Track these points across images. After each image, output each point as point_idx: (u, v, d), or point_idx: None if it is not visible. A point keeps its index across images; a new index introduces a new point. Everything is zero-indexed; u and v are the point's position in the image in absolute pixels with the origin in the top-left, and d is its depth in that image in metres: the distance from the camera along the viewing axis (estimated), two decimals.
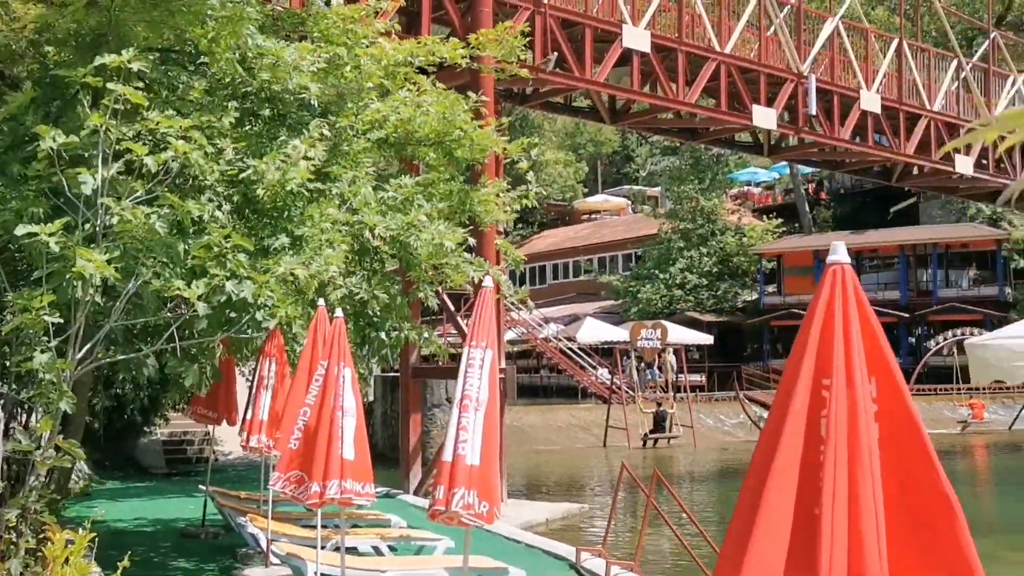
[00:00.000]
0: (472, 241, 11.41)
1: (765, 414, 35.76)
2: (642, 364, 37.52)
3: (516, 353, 51.21)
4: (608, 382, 36.59)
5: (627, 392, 37.41)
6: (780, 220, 55.31)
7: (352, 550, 10.48)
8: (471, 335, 5.66)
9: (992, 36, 30.03)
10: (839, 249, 3.03)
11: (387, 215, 10.27)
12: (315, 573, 8.71)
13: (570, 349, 43.01)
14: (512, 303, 43.50)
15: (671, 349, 37.11)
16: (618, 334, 42.22)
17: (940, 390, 40.61)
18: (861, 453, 2.76)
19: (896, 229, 51.58)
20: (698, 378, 46.91)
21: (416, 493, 17.94)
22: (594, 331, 45.49)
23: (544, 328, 45.11)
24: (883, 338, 3.04)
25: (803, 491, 2.80)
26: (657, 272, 53.09)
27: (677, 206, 54.84)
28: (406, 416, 18.38)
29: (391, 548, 10.63)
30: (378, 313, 10.45)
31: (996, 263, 47.85)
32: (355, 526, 11.93)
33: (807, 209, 56.78)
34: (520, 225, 73.33)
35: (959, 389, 40.21)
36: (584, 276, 63.71)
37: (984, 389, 41.72)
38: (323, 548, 9.60)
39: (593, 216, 75.26)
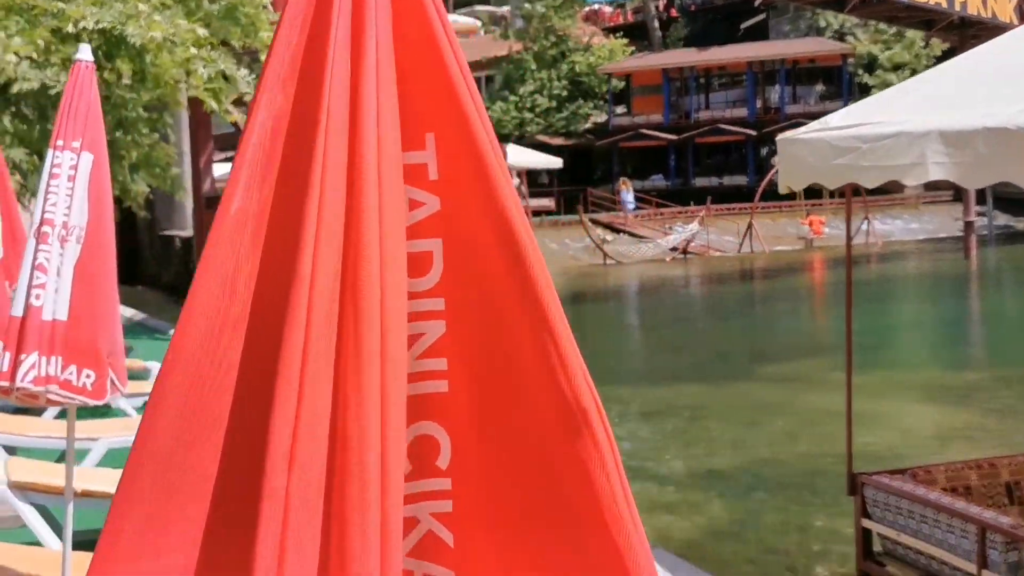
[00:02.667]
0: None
1: (609, 236, 35.21)
2: None
3: None
4: None
5: None
6: (629, 39, 53.94)
7: None
8: (57, 131, 4.10)
9: None
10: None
11: (103, 6, 8.58)
12: None
13: None
14: None
15: (514, 173, 35.84)
16: None
17: (784, 207, 40.55)
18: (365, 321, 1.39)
19: (744, 45, 50.78)
20: (548, 202, 46.14)
21: None
22: None
23: None
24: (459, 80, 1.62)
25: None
26: (508, 93, 51.48)
27: (527, 24, 52.92)
28: (199, 251, 16.80)
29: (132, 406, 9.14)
30: None
31: (842, 79, 47.60)
32: None
33: (656, 27, 55.44)
34: None
35: (803, 206, 40.21)
36: None
37: (827, 204, 41.97)
38: None
39: None
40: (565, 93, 51.36)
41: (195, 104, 15.92)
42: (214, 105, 9.12)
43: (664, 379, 14.49)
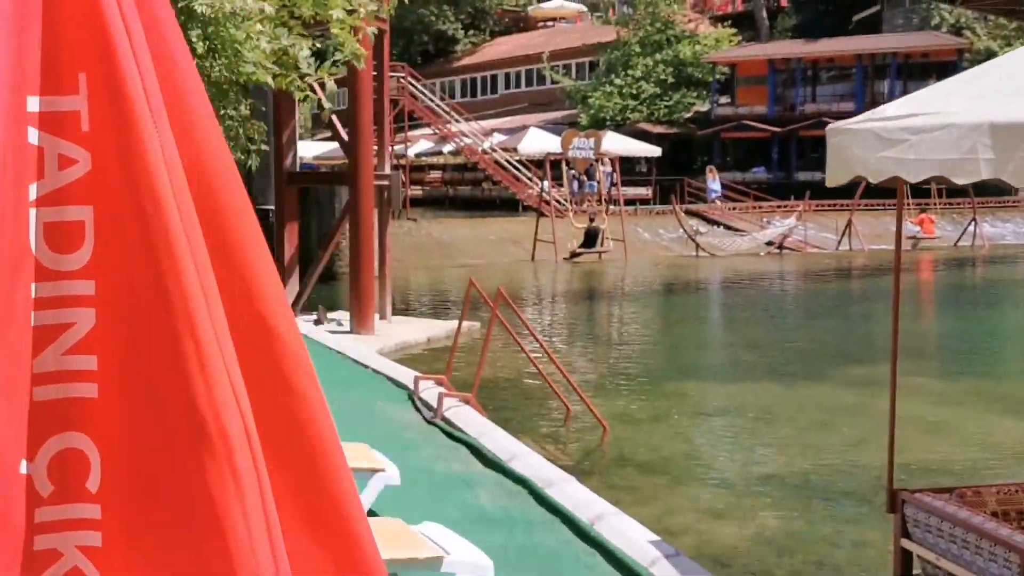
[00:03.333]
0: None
1: (703, 228, 34.58)
2: (574, 174, 35.97)
3: (456, 166, 49.58)
4: (549, 195, 34.98)
5: (560, 204, 36.03)
6: (738, 29, 52.89)
7: None
8: None
9: None
10: None
11: None
12: None
13: (507, 161, 41.21)
14: (448, 113, 41.61)
15: (607, 159, 35.41)
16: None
17: (889, 204, 39.33)
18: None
19: (854, 37, 49.39)
20: (644, 191, 45.57)
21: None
22: (538, 142, 43.61)
23: (484, 140, 43.20)
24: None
25: None
26: (614, 78, 50.91)
27: (631, 10, 52.31)
28: (280, 226, 16.84)
29: None
30: None
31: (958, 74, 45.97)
32: None
33: (764, 16, 54.26)
34: (472, 32, 70.44)
35: (909, 204, 38.94)
36: (537, 86, 61.31)
37: (935, 204, 40.65)
38: None
39: (549, 23, 72.32)
40: (670, 80, 50.60)
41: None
42: (270, 82, 8.94)
43: (738, 377, 14.06)
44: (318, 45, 12.22)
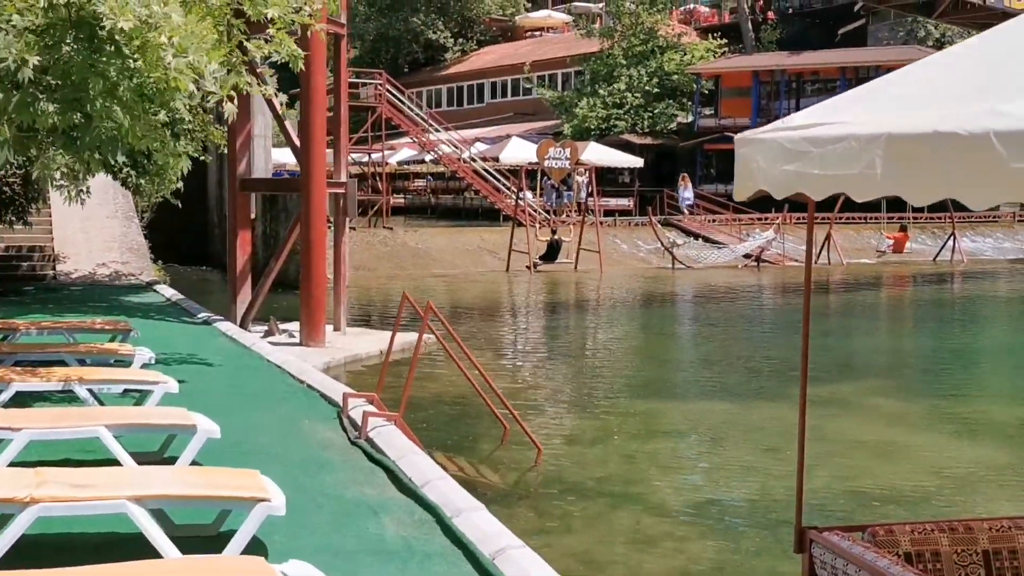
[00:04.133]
0: None
1: (680, 240, 34.27)
2: (551, 184, 35.67)
3: (439, 174, 49.21)
4: (527, 204, 34.55)
5: (538, 214, 35.72)
6: (724, 40, 52.62)
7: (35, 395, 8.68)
8: None
9: None
10: None
11: None
12: None
13: (486, 171, 40.84)
14: (426, 121, 41.24)
15: (583, 170, 35.04)
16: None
17: (870, 218, 39.05)
18: None
19: (838, 50, 49.22)
20: (626, 202, 45.34)
21: (242, 326, 16.13)
22: (519, 151, 43.31)
23: (465, 149, 42.82)
24: None
25: None
26: (598, 89, 50.62)
27: (615, 20, 52.08)
28: (233, 233, 16.40)
29: (92, 392, 8.72)
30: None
31: None
32: (82, 362, 10.10)
33: (750, 28, 54.05)
34: (460, 41, 70.17)
35: (890, 218, 38.69)
36: (523, 96, 61.04)
37: (915, 218, 40.44)
38: None
39: (536, 33, 72.12)
40: (654, 91, 50.34)
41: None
42: (190, 85, 8.49)
43: (695, 395, 13.68)
44: (266, 50, 11.83)
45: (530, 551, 5.88)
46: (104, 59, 8.61)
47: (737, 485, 9.35)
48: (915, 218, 41.84)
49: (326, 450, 8.46)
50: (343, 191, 16.19)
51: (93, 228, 23.82)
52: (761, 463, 10.10)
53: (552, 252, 32.49)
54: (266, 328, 16.06)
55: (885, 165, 3.79)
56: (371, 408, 9.46)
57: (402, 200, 52.56)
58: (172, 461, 7.10)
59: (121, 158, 8.48)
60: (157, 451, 7.56)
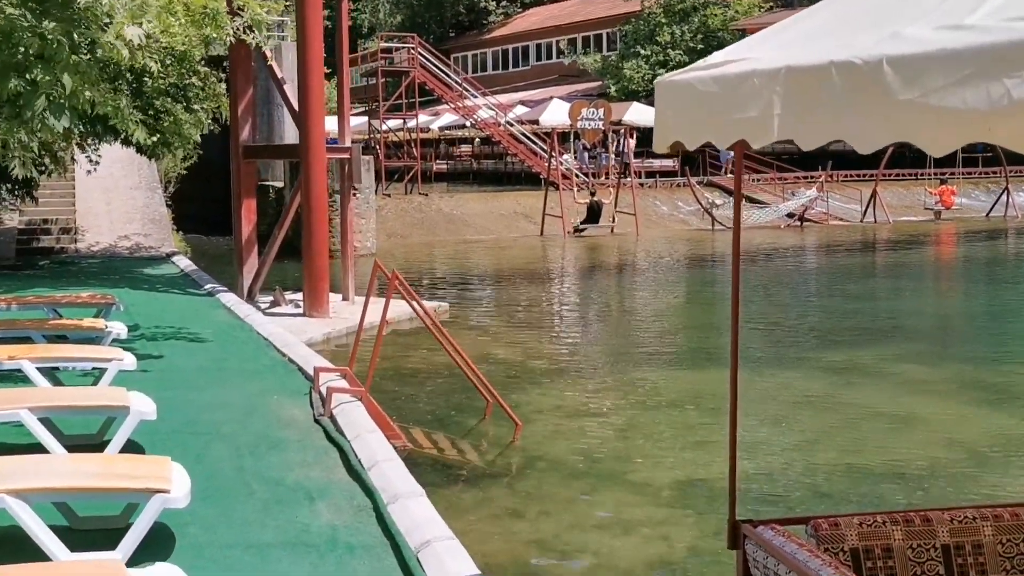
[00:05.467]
0: None
1: (719, 200, 33.39)
2: (584, 145, 34.92)
3: (483, 139, 48.57)
4: (562, 168, 33.82)
5: (578, 177, 35.04)
6: None
7: None
8: None
9: None
10: None
11: None
12: None
13: (523, 134, 40.13)
14: (462, 86, 40.57)
15: (623, 130, 34.23)
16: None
17: (919, 174, 37.77)
18: None
19: None
20: (671, 163, 44.43)
21: (249, 296, 15.76)
22: (559, 114, 42.49)
23: (503, 113, 42.10)
24: None
25: None
26: (640, 49, 49.60)
27: None
28: (238, 202, 15.98)
29: (45, 370, 8.30)
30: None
31: None
32: (60, 337, 9.74)
33: None
34: (504, 3, 69.24)
35: (932, 174, 37.37)
36: (569, 57, 60.06)
37: (957, 174, 39.10)
38: None
39: None
40: (699, 48, 49.18)
41: (234, 46, 15.12)
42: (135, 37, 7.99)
43: (708, 363, 13.04)
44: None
45: (457, 543, 5.37)
46: (52, 23, 8.17)
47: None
48: (967, 173, 40.49)
49: (285, 428, 8.00)
50: (348, 156, 15.70)
51: (116, 199, 23.58)
52: (762, 437, 9.48)
53: (593, 215, 31.74)
54: (271, 298, 15.68)
55: (784, 105, 3.20)
56: (342, 383, 9.00)
57: (444, 166, 52.05)
58: (107, 445, 6.69)
59: (66, 123, 7.98)
60: (96, 434, 7.15)
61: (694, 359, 13.30)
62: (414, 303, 9.32)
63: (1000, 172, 38.30)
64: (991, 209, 36.68)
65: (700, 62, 4.10)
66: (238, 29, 13.07)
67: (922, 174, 36.99)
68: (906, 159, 36.36)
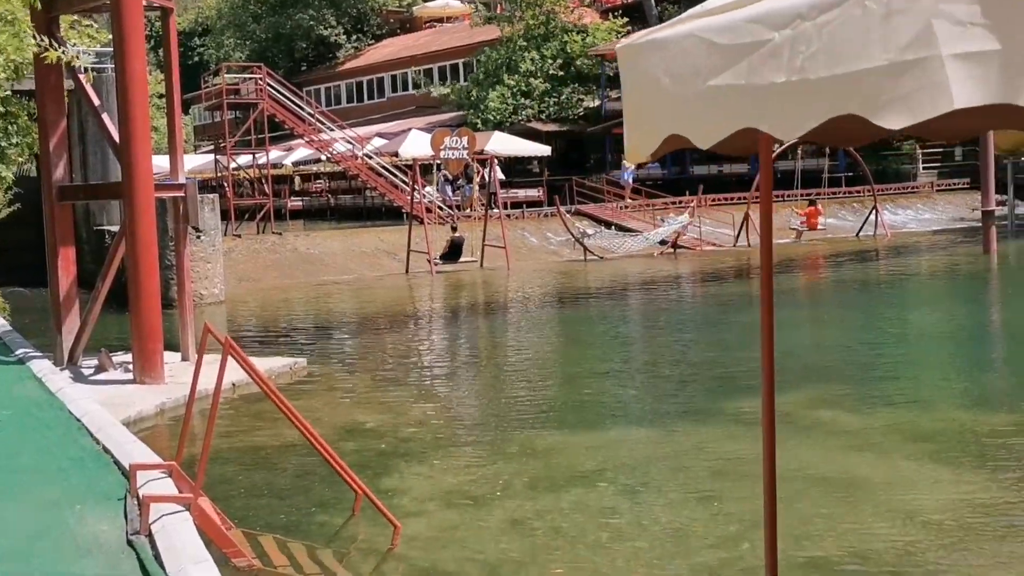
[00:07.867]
0: None
1: (591, 230, 32.14)
2: (446, 176, 33.32)
3: (338, 174, 46.55)
4: (425, 200, 31.99)
5: (441, 210, 33.43)
6: (626, 19, 50.63)
7: None
8: None
9: None
10: None
11: None
12: None
13: (382, 167, 38.28)
14: (316, 118, 38.54)
15: (488, 160, 32.68)
16: None
17: (788, 195, 37.20)
18: None
19: None
20: (535, 192, 43.34)
21: (70, 360, 13.53)
22: (419, 145, 40.78)
23: (360, 146, 40.17)
24: None
25: None
26: (504, 77, 48.30)
27: (512, 4, 49.84)
28: (53, 252, 13.72)
29: None
30: None
31: None
32: None
33: (653, 5, 52.15)
34: (355, 37, 67.38)
35: (799, 195, 36.91)
36: (424, 88, 58.49)
37: (832, 193, 38.98)
38: None
39: (435, 23, 69.60)
40: (559, 74, 48.24)
41: (42, 71, 12.92)
42: None
43: (609, 418, 11.39)
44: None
45: None
46: None
47: (659, 562, 7.03)
48: (833, 193, 40.34)
49: (83, 559, 5.99)
50: (182, 194, 13.63)
51: None
52: (688, 521, 7.81)
53: (455, 250, 30.11)
54: (96, 362, 13.47)
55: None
56: (167, 483, 7.03)
57: (300, 203, 49.86)
58: None
59: None
60: None
61: (585, 414, 11.60)
62: (253, 374, 7.37)
63: (864, 191, 38.23)
64: (861, 228, 36.40)
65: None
66: (42, 42, 11.06)
67: (793, 195, 36.50)
68: (776, 180, 35.72)
